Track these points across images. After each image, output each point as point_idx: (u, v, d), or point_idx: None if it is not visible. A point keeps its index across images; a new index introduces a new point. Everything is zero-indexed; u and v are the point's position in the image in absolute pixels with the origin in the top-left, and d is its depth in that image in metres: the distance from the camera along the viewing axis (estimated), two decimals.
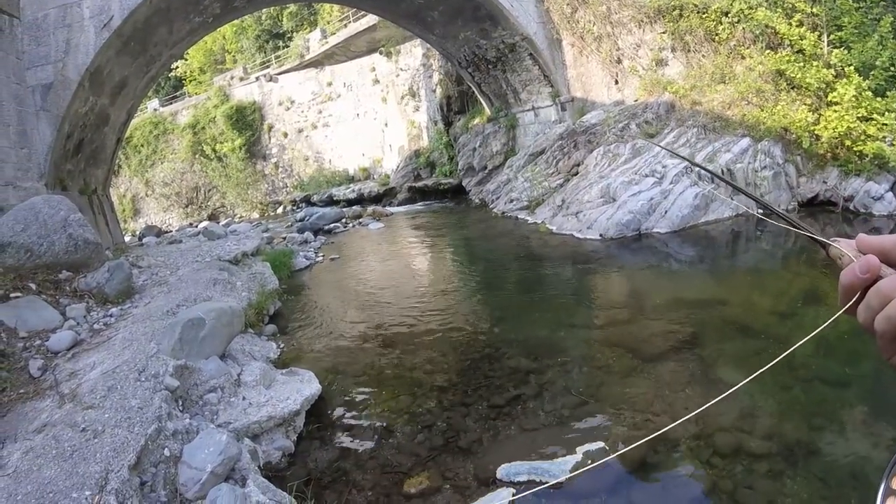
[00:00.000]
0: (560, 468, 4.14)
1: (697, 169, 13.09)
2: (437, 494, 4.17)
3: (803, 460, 4.12)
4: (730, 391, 0.95)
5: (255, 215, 32.90)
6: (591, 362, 6.36)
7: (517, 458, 4.32)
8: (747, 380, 0.91)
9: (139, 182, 36.69)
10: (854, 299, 0.76)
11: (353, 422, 5.60)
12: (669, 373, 5.71)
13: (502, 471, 4.22)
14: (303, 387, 5.84)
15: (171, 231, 26.68)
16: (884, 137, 12.31)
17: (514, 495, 3.97)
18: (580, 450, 4.35)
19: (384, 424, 5.40)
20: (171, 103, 39.39)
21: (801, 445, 4.30)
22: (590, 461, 4.24)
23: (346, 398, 6.14)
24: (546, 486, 4.06)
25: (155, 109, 37.66)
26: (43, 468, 3.87)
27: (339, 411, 5.85)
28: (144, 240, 18.33)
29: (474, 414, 5.34)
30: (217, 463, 4.11)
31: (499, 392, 5.73)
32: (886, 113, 12.33)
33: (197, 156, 35.26)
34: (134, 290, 9.05)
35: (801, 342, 0.85)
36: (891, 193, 12.18)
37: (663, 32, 17.17)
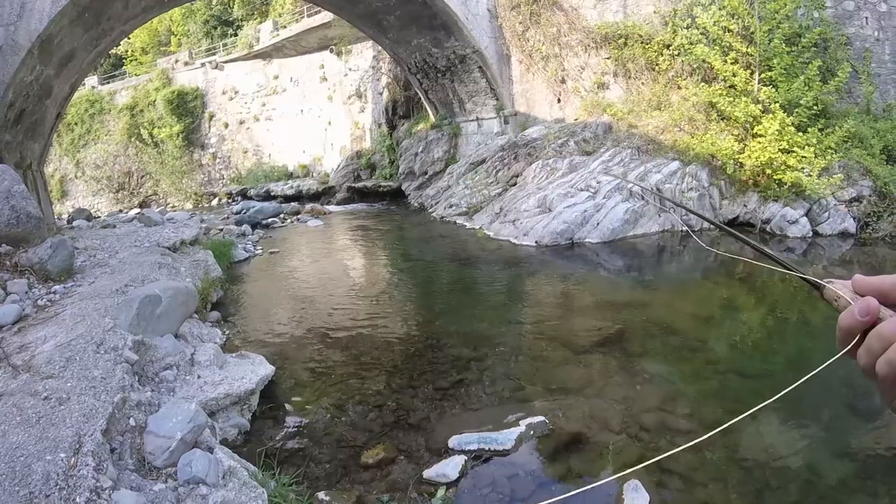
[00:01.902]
0: (507, 437, 4.59)
1: (631, 186, 13.94)
2: (393, 464, 4.50)
3: (721, 438, 4.68)
4: (750, 412, 0.96)
5: (189, 206, 32.03)
6: (526, 353, 6.92)
7: (465, 432, 4.73)
8: (760, 406, 0.93)
9: (69, 162, 35.18)
10: (854, 342, 0.75)
11: (305, 403, 5.84)
12: (599, 363, 6.31)
13: (454, 440, 4.63)
14: (256, 368, 6.00)
15: (100, 216, 25.88)
16: (802, 168, 13.51)
17: (466, 461, 4.35)
18: (523, 423, 4.82)
19: (336, 405, 5.66)
20: (109, 82, 37.89)
21: (716, 425, 4.82)
22: (532, 432, 4.68)
23: (297, 382, 6.38)
24: (495, 453, 4.49)
25: (93, 87, 36.05)
26: (8, 434, 3.88)
27: (290, 393, 6.07)
28: (75, 223, 17.63)
29: (421, 395, 5.71)
30: (187, 430, 4.23)
31: (443, 376, 6.13)
32: (806, 147, 13.60)
33: (132, 139, 34.10)
34: (74, 269, 8.85)
35: (807, 377, 0.85)
36: (805, 218, 13.49)
37: (607, 58, 18.15)
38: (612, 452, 4.48)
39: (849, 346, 0.75)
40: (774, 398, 0.83)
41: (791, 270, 0.89)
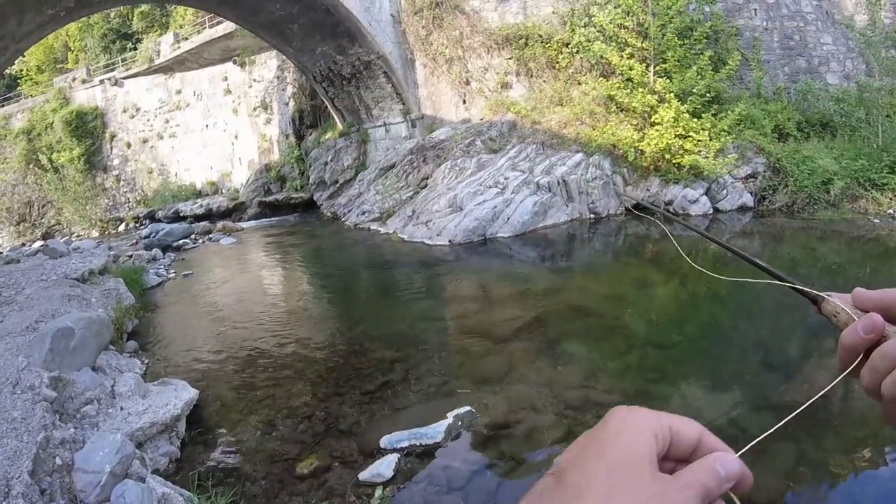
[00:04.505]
0: (436, 430, 4.77)
1: (538, 180, 14.46)
2: (328, 472, 4.58)
3: (646, 403, 4.93)
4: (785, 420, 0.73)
5: (95, 234, 30.39)
6: (449, 348, 7.21)
7: (395, 432, 4.86)
8: (805, 405, 0.72)
9: None
10: (857, 361, 0.70)
11: (234, 423, 5.81)
12: (520, 350, 6.64)
13: (385, 440, 4.76)
14: (180, 393, 5.91)
15: (1, 252, 24.40)
16: (699, 151, 14.54)
17: (399, 459, 4.49)
18: (451, 415, 5.02)
19: (265, 420, 5.68)
20: (3, 105, 35.29)
21: (639, 394, 5.30)
22: (460, 423, 4.87)
23: (223, 403, 6.32)
24: (426, 447, 4.65)
25: None
26: None
27: (218, 415, 6.02)
28: None
29: (349, 401, 5.81)
30: (115, 462, 4.17)
31: (369, 380, 6.25)
32: (701, 131, 14.71)
33: (31, 166, 31.90)
34: None
35: (821, 393, 0.67)
36: (705, 197, 14.67)
37: (509, 58, 18.73)
38: (540, 431, 4.67)
39: (853, 366, 0.70)
40: (790, 416, 0.69)
41: (785, 282, 0.84)
